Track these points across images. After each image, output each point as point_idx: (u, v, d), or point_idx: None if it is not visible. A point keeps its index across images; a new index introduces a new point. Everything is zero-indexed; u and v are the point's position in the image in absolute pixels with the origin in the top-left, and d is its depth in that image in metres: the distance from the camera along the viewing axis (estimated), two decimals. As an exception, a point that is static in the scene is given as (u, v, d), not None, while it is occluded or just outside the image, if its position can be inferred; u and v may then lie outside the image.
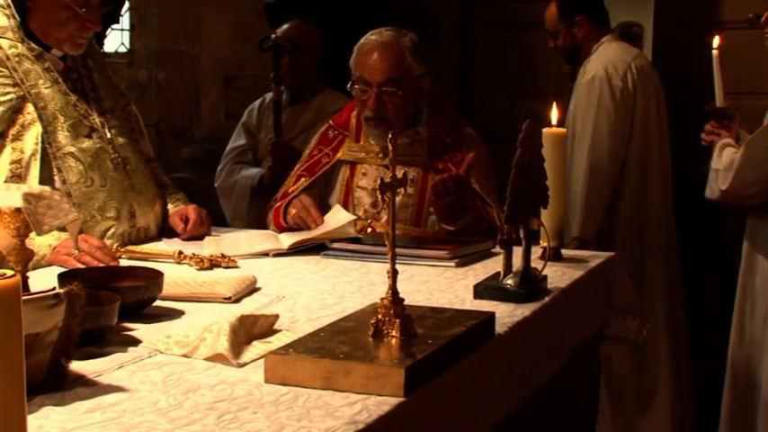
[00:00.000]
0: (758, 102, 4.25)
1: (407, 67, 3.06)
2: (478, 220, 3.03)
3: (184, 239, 2.87)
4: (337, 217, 2.95)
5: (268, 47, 4.07)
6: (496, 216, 3.08)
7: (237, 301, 2.22)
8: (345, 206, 3.16)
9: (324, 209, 3.22)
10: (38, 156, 2.65)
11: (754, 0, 3.65)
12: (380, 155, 3.16)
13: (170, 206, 2.99)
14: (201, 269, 2.55)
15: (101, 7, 2.73)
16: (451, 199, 2.88)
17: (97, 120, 2.81)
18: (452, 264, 2.62)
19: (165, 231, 2.93)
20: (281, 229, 3.10)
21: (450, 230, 2.99)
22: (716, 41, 3.48)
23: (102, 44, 5.18)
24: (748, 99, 4.30)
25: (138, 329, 1.96)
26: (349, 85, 3.13)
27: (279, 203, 3.18)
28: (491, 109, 5.81)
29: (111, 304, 1.87)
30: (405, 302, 1.78)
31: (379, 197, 1.76)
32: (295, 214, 3.03)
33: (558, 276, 2.50)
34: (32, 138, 2.66)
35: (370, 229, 3.11)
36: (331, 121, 3.35)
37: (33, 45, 2.74)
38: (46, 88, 2.72)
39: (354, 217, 2.98)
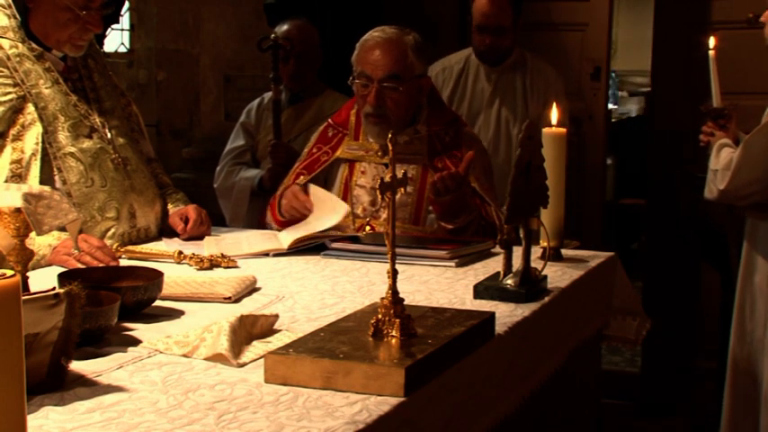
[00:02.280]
0: (755, 101, 4.25)
1: (409, 64, 3.07)
2: (477, 218, 3.03)
3: (184, 239, 2.87)
4: (328, 206, 2.96)
5: (267, 47, 4.07)
6: (495, 215, 3.08)
7: (237, 301, 2.22)
8: None
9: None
10: (38, 156, 2.65)
11: (752, 0, 3.65)
12: (379, 153, 3.17)
13: (170, 206, 2.99)
14: (201, 269, 2.55)
15: (102, 9, 2.73)
16: (450, 198, 2.89)
17: (97, 120, 2.81)
18: (452, 264, 2.62)
19: (165, 231, 2.93)
20: (280, 224, 3.11)
21: (448, 229, 3.00)
22: (712, 42, 3.49)
23: (101, 44, 5.18)
24: (745, 99, 4.30)
25: (138, 329, 1.96)
26: (350, 79, 3.14)
27: (273, 199, 3.21)
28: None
29: (110, 304, 1.87)
30: (405, 302, 1.78)
31: (379, 197, 1.76)
32: (286, 204, 3.07)
33: (557, 276, 2.50)
34: (33, 138, 2.66)
35: (368, 228, 3.11)
36: (330, 120, 3.36)
37: (34, 45, 2.74)
38: (46, 88, 2.72)
39: (346, 207, 2.98)
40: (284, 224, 3.09)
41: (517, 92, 4.21)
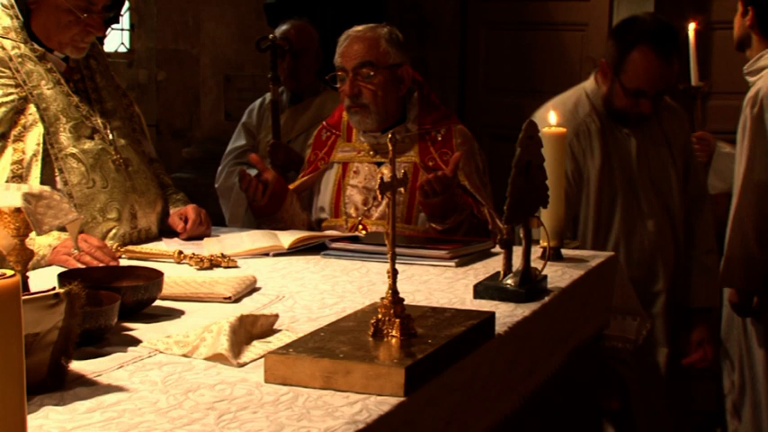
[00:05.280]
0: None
1: (382, 52, 3.12)
2: (469, 217, 3.04)
3: (184, 239, 2.87)
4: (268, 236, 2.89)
5: (266, 47, 4.07)
6: (488, 213, 3.09)
7: (237, 300, 2.22)
8: (337, 204, 3.19)
9: (314, 208, 3.25)
10: (39, 156, 2.65)
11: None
12: (371, 152, 3.20)
13: (170, 207, 2.99)
14: (201, 269, 2.55)
15: (103, 13, 2.73)
16: (440, 199, 2.90)
17: (99, 121, 2.81)
18: (452, 263, 2.62)
19: (165, 231, 2.94)
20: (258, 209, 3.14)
21: (439, 230, 3.00)
22: (692, 26, 3.75)
23: (102, 44, 5.18)
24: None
25: (138, 329, 1.96)
26: (328, 76, 3.21)
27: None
28: (495, 108, 5.81)
29: (110, 304, 1.88)
30: (405, 302, 1.78)
31: (379, 196, 1.76)
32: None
33: (557, 276, 2.49)
34: (34, 138, 2.66)
35: (360, 227, 3.12)
36: (324, 122, 3.38)
37: (36, 46, 2.73)
38: (48, 89, 2.72)
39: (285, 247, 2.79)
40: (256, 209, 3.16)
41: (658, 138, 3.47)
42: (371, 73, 3.09)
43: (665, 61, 3.22)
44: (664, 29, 3.28)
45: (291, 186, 3.25)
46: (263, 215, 3.16)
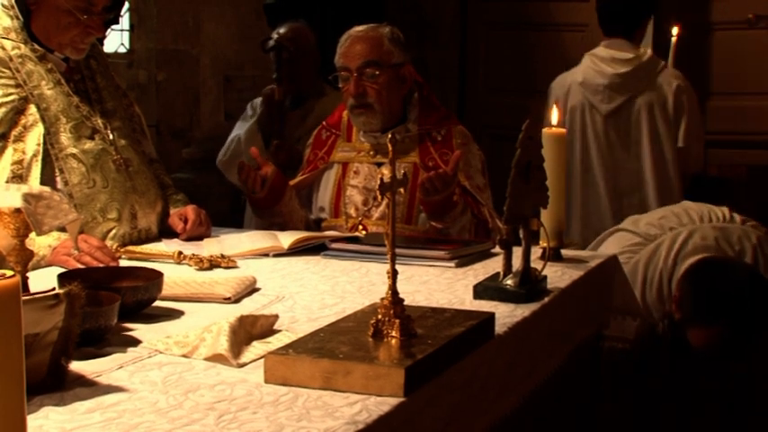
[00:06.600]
0: (755, 102, 4.27)
1: (386, 51, 3.13)
2: (470, 216, 3.05)
3: (184, 240, 2.87)
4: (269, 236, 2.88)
5: (270, 48, 4.08)
6: (488, 213, 3.10)
7: (237, 301, 2.22)
8: (337, 204, 3.20)
9: (314, 207, 3.25)
10: (39, 157, 2.65)
11: (752, 1, 3.67)
12: (371, 152, 3.20)
13: (170, 207, 2.99)
14: (201, 269, 2.55)
15: (103, 14, 2.72)
16: (440, 197, 2.90)
17: (99, 121, 2.81)
18: (452, 264, 2.62)
19: (165, 232, 2.94)
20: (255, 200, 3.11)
21: (439, 228, 3.01)
22: (675, 30, 4.08)
23: (102, 44, 5.18)
24: (749, 99, 4.31)
25: (138, 330, 1.96)
26: (331, 77, 3.21)
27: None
28: (495, 108, 5.81)
29: (110, 304, 1.88)
30: (404, 303, 1.78)
31: (379, 197, 1.76)
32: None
33: (557, 277, 2.50)
34: (34, 139, 2.66)
35: (360, 227, 3.13)
36: (324, 122, 3.38)
37: (36, 46, 2.74)
38: (48, 89, 2.72)
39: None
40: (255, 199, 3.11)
41: None
42: (376, 72, 3.10)
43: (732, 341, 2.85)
44: (749, 304, 2.85)
45: (291, 183, 3.25)
46: (262, 208, 3.16)
